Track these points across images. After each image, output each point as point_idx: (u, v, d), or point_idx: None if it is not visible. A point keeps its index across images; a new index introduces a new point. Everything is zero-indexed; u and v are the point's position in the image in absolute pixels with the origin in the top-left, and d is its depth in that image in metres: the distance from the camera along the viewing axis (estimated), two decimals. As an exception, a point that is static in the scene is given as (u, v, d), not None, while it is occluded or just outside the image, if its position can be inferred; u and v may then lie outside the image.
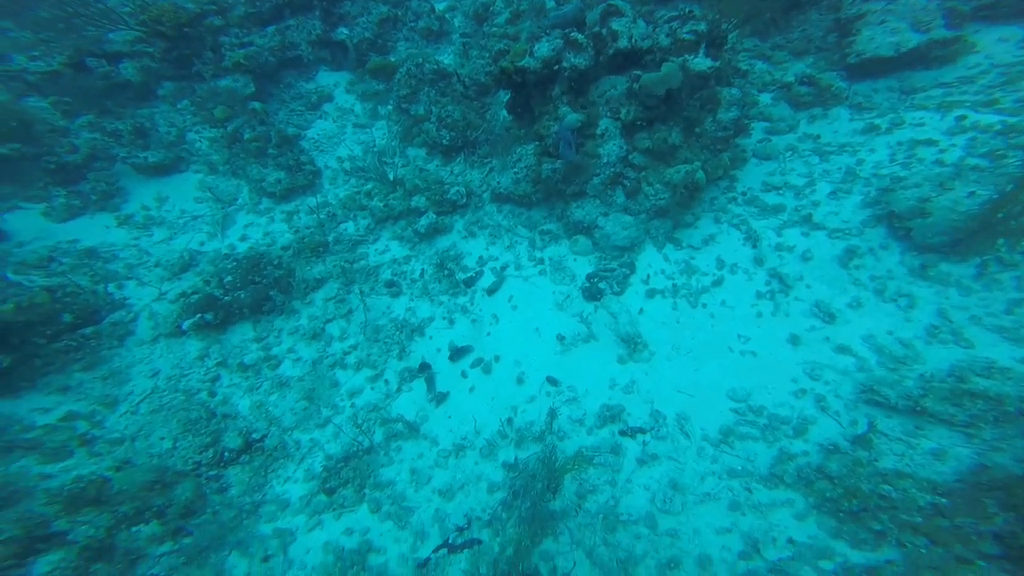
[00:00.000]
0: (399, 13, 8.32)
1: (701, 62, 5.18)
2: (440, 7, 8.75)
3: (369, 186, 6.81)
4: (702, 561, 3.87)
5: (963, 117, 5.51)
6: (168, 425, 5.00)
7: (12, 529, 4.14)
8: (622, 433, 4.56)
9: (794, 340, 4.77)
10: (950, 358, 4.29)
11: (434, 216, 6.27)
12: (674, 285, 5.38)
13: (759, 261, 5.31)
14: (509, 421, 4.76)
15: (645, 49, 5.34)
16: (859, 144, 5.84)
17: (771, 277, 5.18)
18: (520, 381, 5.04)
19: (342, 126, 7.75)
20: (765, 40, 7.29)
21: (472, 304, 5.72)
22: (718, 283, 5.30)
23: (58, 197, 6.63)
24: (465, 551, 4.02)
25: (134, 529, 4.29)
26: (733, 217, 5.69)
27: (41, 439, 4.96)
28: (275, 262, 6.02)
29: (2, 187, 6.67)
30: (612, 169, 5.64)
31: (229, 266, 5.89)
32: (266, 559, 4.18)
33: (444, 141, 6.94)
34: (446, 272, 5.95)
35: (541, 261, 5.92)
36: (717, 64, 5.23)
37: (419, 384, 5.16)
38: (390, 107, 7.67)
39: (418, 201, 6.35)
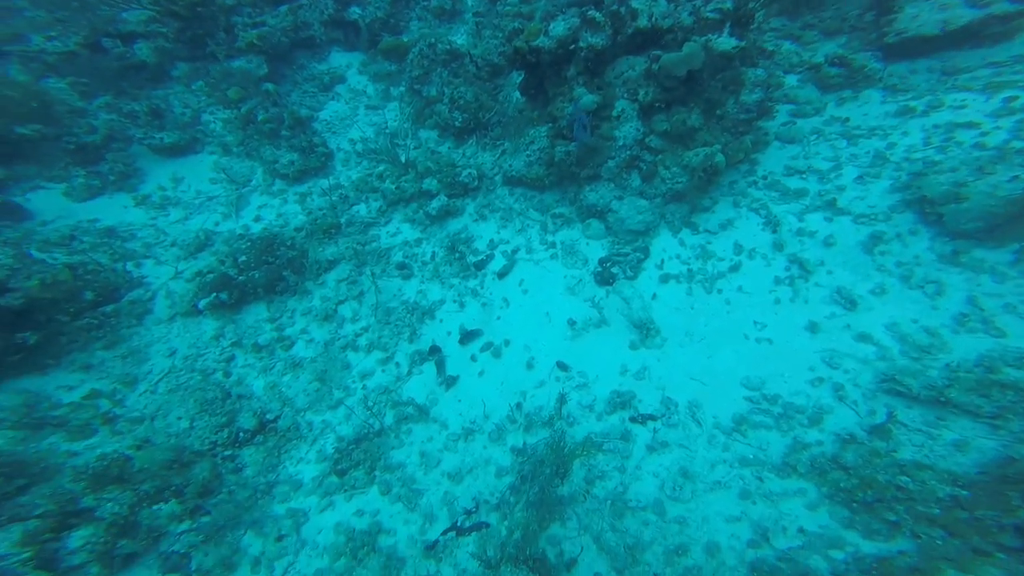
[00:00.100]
0: (412, -8, 8.05)
1: (725, 42, 4.87)
2: (453, -15, 8.43)
3: (381, 168, 6.66)
4: (710, 548, 3.76)
5: (1013, 98, 5.11)
6: (185, 405, 5.01)
7: (47, 504, 4.22)
8: (632, 420, 4.43)
9: (813, 327, 4.55)
10: (979, 347, 4.04)
11: (445, 199, 6.12)
12: (689, 270, 5.17)
13: (779, 246, 5.05)
14: (518, 406, 4.66)
15: (666, 28, 5.02)
16: (891, 127, 5.49)
17: (791, 263, 4.94)
18: (530, 366, 4.93)
19: (354, 108, 7.58)
20: (794, 19, 6.86)
21: (483, 287, 5.59)
22: (735, 268, 5.07)
23: (78, 177, 6.63)
24: (473, 534, 3.97)
25: (155, 507, 4.33)
26: (753, 201, 5.42)
27: (67, 417, 5.02)
28: (288, 243, 5.95)
29: (25, 167, 6.69)
30: (628, 152, 5.40)
31: (243, 246, 5.84)
32: (280, 539, 4.19)
33: (456, 123, 6.74)
34: (457, 255, 5.82)
35: (553, 245, 5.74)
36: (743, 44, 4.91)
37: (429, 367, 5.08)
38: (402, 88, 7.47)
39: (430, 183, 6.19)
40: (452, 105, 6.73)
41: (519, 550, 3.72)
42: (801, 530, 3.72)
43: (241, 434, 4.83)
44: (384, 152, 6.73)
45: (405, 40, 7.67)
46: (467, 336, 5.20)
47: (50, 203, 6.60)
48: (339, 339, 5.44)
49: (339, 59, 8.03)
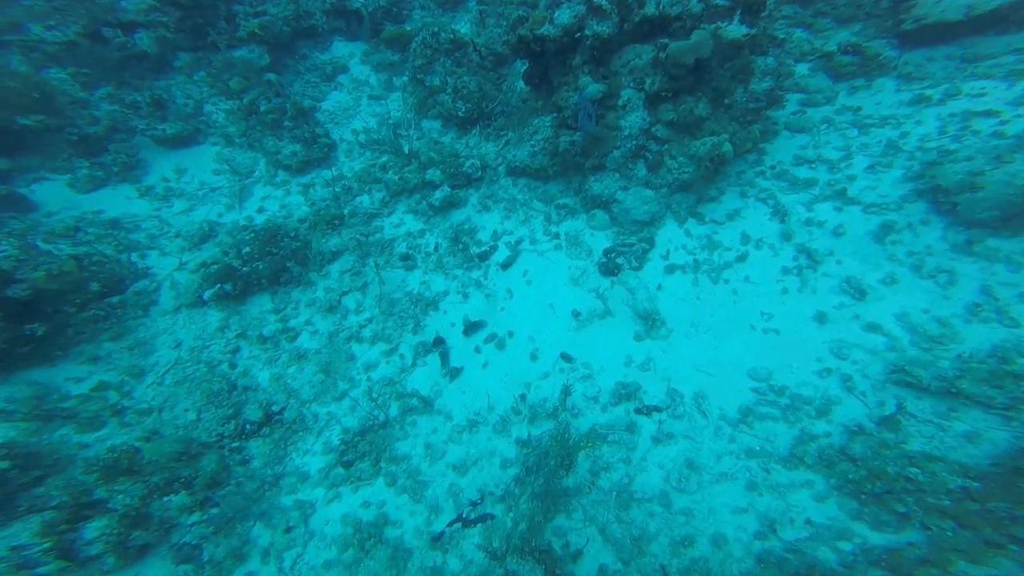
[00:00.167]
0: (414, -21, 7.81)
1: (735, 29, 4.65)
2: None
3: (384, 159, 6.50)
4: (716, 540, 3.67)
5: (1039, 86, 4.90)
6: (192, 396, 4.93)
7: (61, 495, 4.18)
8: (637, 411, 4.32)
9: (821, 318, 4.42)
10: (992, 338, 3.90)
11: (449, 189, 5.96)
12: (695, 260, 5.02)
13: (787, 236, 4.89)
14: (522, 397, 4.55)
15: (674, 16, 4.80)
16: (904, 116, 5.29)
17: (799, 252, 4.78)
18: (534, 357, 4.81)
19: (357, 98, 7.39)
20: (806, 6, 6.60)
21: (486, 278, 5.46)
22: (742, 258, 4.92)
23: (81, 168, 6.49)
24: (479, 525, 3.89)
25: (165, 499, 4.29)
26: (760, 191, 5.25)
27: (77, 409, 4.95)
28: (292, 234, 5.82)
29: (29, 158, 6.56)
30: (634, 142, 5.22)
31: (247, 237, 5.72)
32: (288, 530, 4.13)
33: (459, 113, 6.56)
34: (460, 246, 5.68)
35: (557, 236, 5.59)
36: (753, 32, 4.70)
37: (433, 359, 4.98)
38: (405, 78, 7.27)
39: (433, 174, 6.04)
40: (455, 95, 6.54)
41: (525, 541, 3.65)
42: (809, 521, 3.63)
43: (248, 426, 4.75)
44: (387, 143, 6.56)
45: (408, 29, 7.44)
46: (471, 327, 5.08)
47: (55, 194, 6.48)
48: (343, 330, 5.33)
49: (341, 49, 7.82)
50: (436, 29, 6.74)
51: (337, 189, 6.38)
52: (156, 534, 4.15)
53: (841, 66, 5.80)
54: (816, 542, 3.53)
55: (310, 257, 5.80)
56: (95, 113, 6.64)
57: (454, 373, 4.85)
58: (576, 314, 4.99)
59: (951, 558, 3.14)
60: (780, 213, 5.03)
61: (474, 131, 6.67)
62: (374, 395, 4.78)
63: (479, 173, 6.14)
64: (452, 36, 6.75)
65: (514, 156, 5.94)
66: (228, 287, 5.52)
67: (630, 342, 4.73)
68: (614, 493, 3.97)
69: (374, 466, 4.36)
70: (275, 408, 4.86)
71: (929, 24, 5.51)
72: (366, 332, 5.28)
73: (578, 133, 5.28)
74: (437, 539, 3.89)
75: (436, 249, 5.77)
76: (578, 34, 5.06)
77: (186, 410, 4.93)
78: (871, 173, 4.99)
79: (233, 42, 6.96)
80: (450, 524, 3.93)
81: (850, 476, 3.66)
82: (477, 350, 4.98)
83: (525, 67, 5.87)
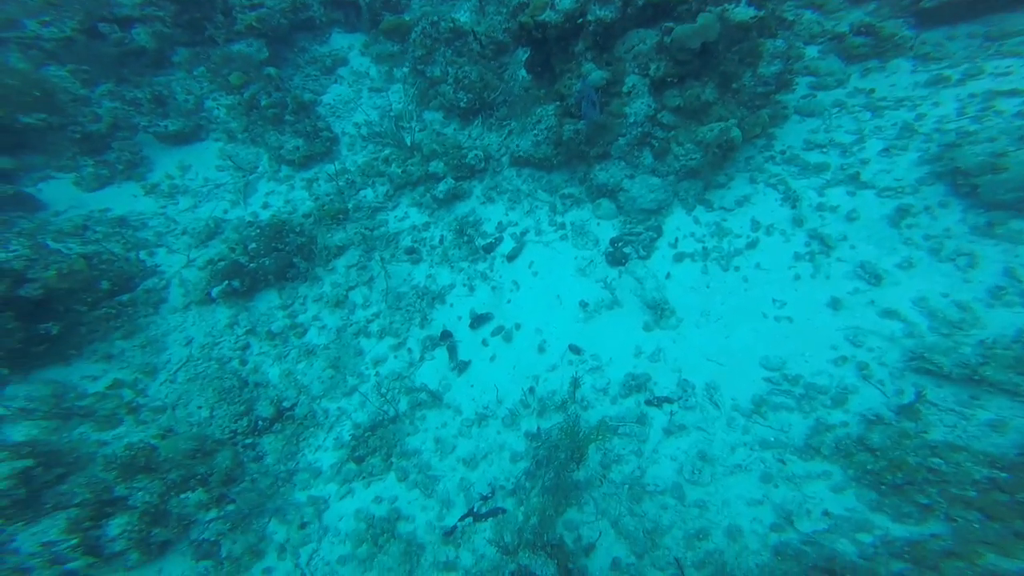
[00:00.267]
0: (412, -33, 7.36)
1: (743, 11, 4.29)
2: (454, -41, 7.70)
3: (387, 152, 6.19)
4: (732, 532, 3.48)
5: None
6: (204, 394, 4.75)
7: (84, 493, 4.10)
8: (648, 403, 4.10)
9: (835, 304, 4.14)
10: (1017, 322, 3.62)
11: (452, 181, 5.66)
12: (704, 248, 4.73)
13: (798, 222, 4.59)
14: (531, 390, 4.34)
15: (679, -1, 4.43)
16: (921, 98, 4.92)
17: (811, 238, 4.48)
18: (542, 350, 4.58)
19: (358, 90, 7.03)
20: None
21: (492, 271, 5.20)
22: (752, 245, 4.63)
23: (86, 167, 6.23)
24: (490, 520, 3.72)
25: (183, 496, 4.16)
26: (770, 177, 4.92)
27: (94, 407, 4.81)
28: (297, 229, 5.57)
29: (33, 157, 6.29)
30: (639, 129, 4.89)
31: (253, 233, 5.47)
32: (303, 526, 3.99)
33: (461, 104, 6.21)
34: (465, 238, 5.41)
35: (562, 226, 5.31)
36: (761, 13, 4.32)
37: (441, 352, 4.76)
38: (406, 69, 6.90)
39: (436, 166, 5.73)
40: (456, 85, 6.19)
41: (536, 536, 3.47)
42: (826, 513, 3.42)
43: (260, 422, 4.58)
44: (389, 135, 6.24)
45: (407, 19, 7.04)
46: (478, 320, 4.85)
47: (61, 193, 6.23)
48: (351, 325, 5.11)
49: (340, 40, 7.43)
50: (436, 18, 6.35)
51: (341, 183, 6.09)
52: (175, 530, 4.05)
53: (854, 47, 5.39)
54: (835, 534, 3.33)
55: (316, 252, 5.55)
56: (97, 110, 6.34)
57: (462, 367, 4.63)
58: (584, 305, 4.74)
59: (979, 551, 2.92)
60: (791, 198, 4.71)
61: (476, 122, 6.33)
62: (383, 390, 4.58)
63: (482, 164, 5.83)
64: (452, 25, 6.36)
65: (517, 146, 5.62)
66: (236, 283, 5.31)
67: (639, 332, 4.48)
68: (626, 486, 3.78)
69: (385, 461, 4.18)
70: (286, 404, 4.68)
71: (950, 1, 5.06)
72: (373, 327, 5.06)
73: (582, 121, 4.95)
74: (449, 534, 3.73)
75: (441, 242, 5.51)
76: (580, 19, 4.72)
77: (199, 407, 4.76)
78: (885, 156, 4.65)
79: (231, 36, 6.60)
80: (462, 518, 3.75)
81: (869, 467, 3.43)
82: (484, 343, 4.75)
83: (527, 55, 5.51)
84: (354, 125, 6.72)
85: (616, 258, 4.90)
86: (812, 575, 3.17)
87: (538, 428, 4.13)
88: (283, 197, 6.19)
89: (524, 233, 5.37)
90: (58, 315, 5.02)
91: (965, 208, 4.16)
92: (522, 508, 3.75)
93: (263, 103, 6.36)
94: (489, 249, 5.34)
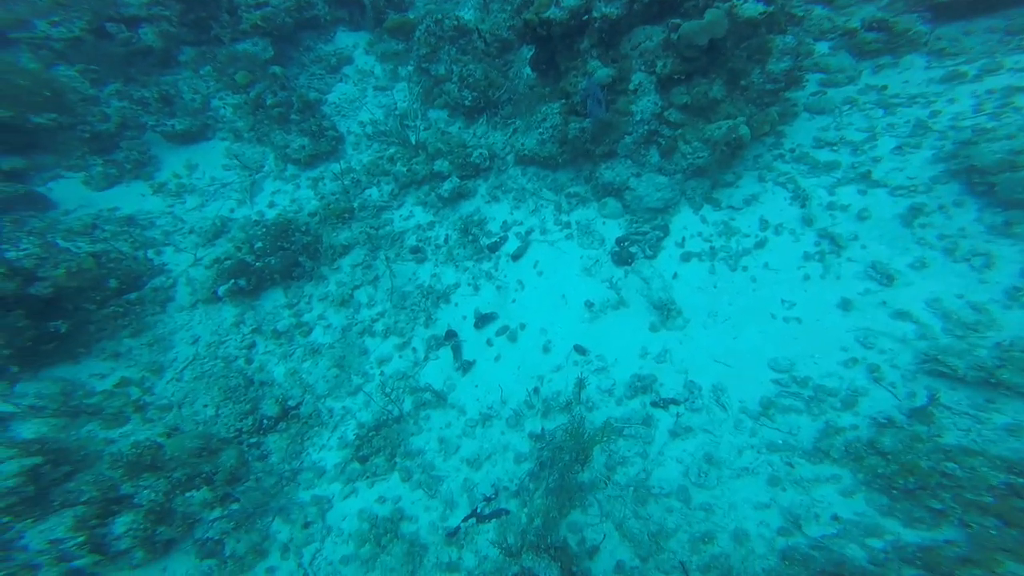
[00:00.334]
0: (417, -35, 7.30)
1: (751, 7, 4.18)
2: (459, -43, 7.63)
3: (392, 151, 6.16)
4: (738, 536, 3.42)
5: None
6: (210, 392, 4.77)
7: (91, 490, 4.11)
8: (654, 404, 4.04)
9: (845, 305, 4.05)
10: (1034, 326, 3.52)
11: (457, 180, 5.62)
12: (712, 248, 4.65)
13: (808, 221, 4.49)
14: (535, 391, 4.30)
15: (686, -6, 4.34)
16: (935, 94, 4.79)
17: (821, 238, 4.39)
18: (546, 350, 4.54)
19: (363, 89, 7.01)
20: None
21: (497, 270, 5.16)
22: (761, 245, 4.54)
23: (95, 166, 6.27)
24: (493, 521, 3.68)
25: (187, 494, 4.17)
26: (779, 175, 4.82)
27: (101, 404, 4.83)
28: (303, 228, 5.56)
29: (44, 156, 6.34)
30: (646, 127, 4.81)
31: (259, 232, 5.47)
32: (307, 525, 3.98)
33: (466, 102, 6.16)
34: (470, 237, 5.37)
35: (568, 225, 5.25)
36: (770, 9, 4.22)
37: (446, 352, 4.73)
38: (410, 68, 6.86)
39: (441, 165, 5.69)
40: (461, 83, 6.14)
41: (540, 538, 3.43)
42: (835, 517, 3.35)
43: (265, 421, 4.58)
44: (394, 134, 6.21)
45: (411, 17, 7.00)
46: (482, 320, 4.81)
47: (71, 192, 6.27)
48: (356, 324, 5.10)
49: (345, 39, 7.41)
50: (440, 16, 6.29)
51: (346, 182, 6.07)
52: (180, 529, 4.05)
53: (865, 43, 5.27)
54: (844, 539, 3.26)
55: (321, 251, 5.54)
56: (105, 110, 6.38)
57: (466, 367, 4.60)
58: (589, 305, 4.68)
59: (997, 558, 2.84)
60: (800, 197, 4.62)
61: (481, 120, 6.28)
62: (387, 389, 4.56)
63: (487, 163, 5.78)
64: (456, 23, 6.30)
65: (522, 145, 5.56)
66: (242, 282, 5.31)
67: (645, 333, 4.42)
68: (631, 488, 3.72)
69: (389, 461, 4.16)
70: (291, 403, 4.68)
71: (971, -7, 4.94)
72: (378, 326, 5.04)
73: (587, 119, 4.88)
74: (452, 534, 3.70)
75: (446, 241, 5.47)
76: (585, 16, 4.64)
77: (205, 406, 4.77)
78: (898, 154, 4.54)
79: (236, 35, 6.59)
80: (465, 519, 3.72)
81: (880, 470, 3.35)
82: (489, 343, 4.72)
83: (531, 53, 5.45)
84: (359, 124, 6.70)
85: (622, 258, 4.84)
86: (820, 581, 3.11)
87: (542, 429, 4.09)
88: (289, 196, 6.19)
89: (529, 232, 5.32)
90: (67, 313, 5.05)
91: (981, 207, 4.05)
92: (526, 510, 3.72)
93: (269, 102, 6.36)
94: (494, 248, 5.29)
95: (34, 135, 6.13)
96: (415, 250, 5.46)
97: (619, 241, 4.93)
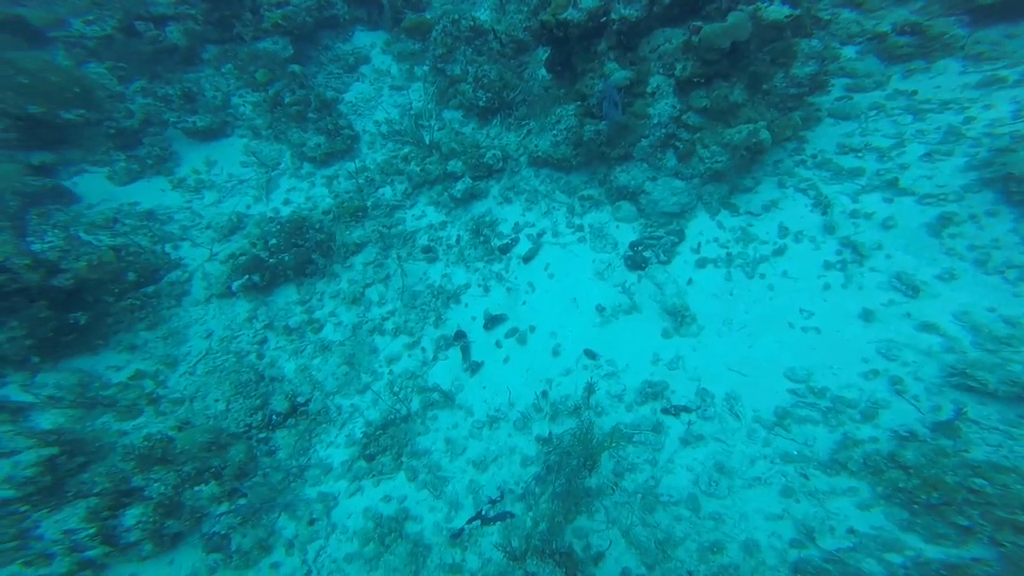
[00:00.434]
0: (436, -34, 7.52)
1: (777, 10, 4.21)
2: (478, -43, 7.83)
3: (406, 150, 6.33)
4: (748, 546, 3.42)
5: None
6: (222, 387, 4.92)
7: (103, 482, 4.25)
8: (665, 411, 4.06)
9: (867, 316, 4.02)
10: (1070, 342, 3.46)
11: (470, 181, 5.75)
12: (728, 254, 4.66)
13: (829, 229, 4.48)
14: (544, 394, 4.36)
15: (708, -4, 4.40)
16: (970, 100, 4.75)
17: (843, 246, 4.37)
18: (556, 353, 4.60)
19: (379, 88, 7.22)
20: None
21: (507, 272, 5.25)
22: (779, 252, 4.54)
23: (119, 161, 6.57)
24: (498, 524, 3.75)
25: (196, 488, 4.29)
26: (800, 181, 4.82)
27: (116, 396, 5.02)
28: (317, 226, 5.74)
29: (71, 151, 6.68)
30: (663, 130, 4.87)
31: (274, 229, 5.66)
32: (312, 522, 4.08)
33: (480, 103, 6.30)
34: (482, 238, 5.48)
35: (580, 228, 5.31)
36: (796, 12, 4.24)
37: (455, 352, 4.82)
38: (426, 67, 7.04)
39: (454, 165, 5.83)
40: (476, 84, 6.28)
41: (545, 543, 3.48)
42: (851, 531, 3.33)
43: (274, 417, 4.73)
44: (409, 134, 6.38)
45: (428, 17, 7.20)
46: (492, 321, 4.90)
47: (95, 187, 6.58)
48: (366, 322, 5.24)
49: (363, 39, 7.64)
50: (456, 16, 6.46)
51: (360, 181, 6.25)
52: (188, 523, 4.17)
53: (896, 48, 5.23)
54: (860, 553, 3.23)
55: (334, 249, 5.71)
56: (130, 106, 6.70)
57: (475, 368, 4.69)
58: (600, 309, 4.73)
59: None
60: (822, 204, 4.60)
61: (495, 121, 6.41)
62: (396, 388, 4.68)
63: (500, 164, 5.89)
64: (472, 23, 6.46)
65: (536, 146, 5.67)
66: (256, 278, 5.50)
67: (658, 339, 4.45)
68: (639, 495, 3.75)
69: (395, 460, 4.26)
70: (300, 399, 4.82)
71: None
72: (388, 324, 5.17)
73: (603, 122, 4.95)
74: (457, 536, 3.77)
75: (457, 241, 5.59)
76: (604, 18, 4.72)
77: (216, 400, 4.93)
78: (927, 161, 4.50)
79: (258, 33, 6.87)
80: (469, 521, 3.79)
81: (900, 484, 3.32)
82: (498, 345, 4.80)
83: (547, 54, 5.55)
84: (375, 123, 6.90)
85: (635, 262, 4.88)
86: (834, 597, 3.10)
87: (550, 433, 4.15)
88: (304, 194, 6.40)
89: (541, 234, 5.40)
90: (87, 305, 5.28)
91: (1017, 217, 3.99)
92: (531, 513, 3.77)
93: (287, 100, 6.59)
94: (505, 250, 5.39)
95: (63, 130, 6.47)
96: (427, 250, 5.59)
97: (633, 245, 4.98)
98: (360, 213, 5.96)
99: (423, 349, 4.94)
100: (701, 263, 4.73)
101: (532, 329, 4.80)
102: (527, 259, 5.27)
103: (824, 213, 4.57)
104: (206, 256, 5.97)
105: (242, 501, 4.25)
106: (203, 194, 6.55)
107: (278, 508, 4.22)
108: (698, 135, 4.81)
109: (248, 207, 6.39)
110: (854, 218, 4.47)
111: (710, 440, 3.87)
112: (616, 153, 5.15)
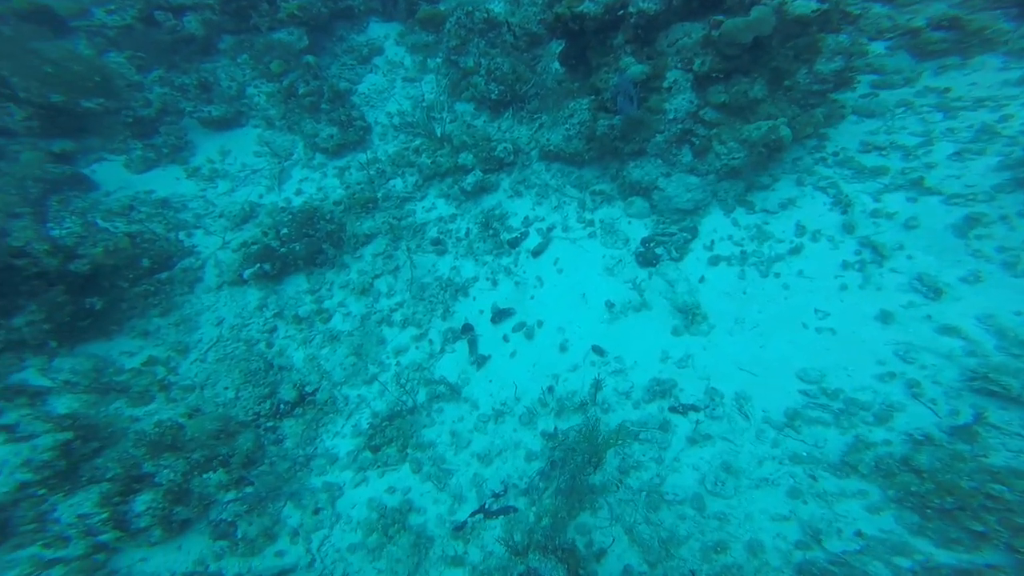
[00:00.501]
0: (451, -44, 7.57)
1: (803, 4, 4.15)
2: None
3: (417, 142, 6.41)
4: (752, 547, 3.43)
5: None
6: (231, 375, 5.06)
7: (115, 467, 4.38)
8: (672, 409, 4.09)
9: (885, 317, 3.99)
10: (1101, 348, 3.39)
11: (480, 174, 5.81)
12: (743, 252, 4.65)
13: (848, 228, 4.43)
14: (550, 389, 4.41)
15: (731, -10, 4.37)
16: (1009, 97, 4.63)
17: (862, 246, 4.33)
18: (563, 348, 4.64)
19: (392, 80, 7.31)
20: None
21: (516, 266, 5.31)
22: (796, 251, 4.51)
23: (136, 150, 6.78)
24: (501, 518, 3.82)
25: (204, 476, 4.41)
26: (820, 179, 4.78)
27: (129, 382, 5.17)
28: (327, 216, 5.87)
29: (90, 139, 6.91)
30: (679, 125, 4.86)
31: (285, 219, 5.80)
32: (317, 512, 4.19)
33: (492, 95, 6.35)
34: (491, 232, 5.54)
35: (591, 223, 5.34)
36: (824, 7, 4.17)
37: (462, 345, 4.90)
38: (439, 59, 7.12)
39: (465, 158, 5.89)
40: (489, 77, 6.33)
41: (547, 538, 3.54)
42: (859, 533, 3.32)
43: (282, 406, 4.85)
44: (420, 126, 6.47)
45: (442, 9, 7.26)
46: (500, 315, 4.96)
47: (112, 174, 6.80)
48: (375, 313, 5.35)
49: (377, 30, 7.75)
50: (470, 8, 6.52)
51: (371, 172, 6.36)
52: (196, 510, 4.28)
53: (930, 43, 5.12)
54: (867, 556, 3.23)
55: (344, 240, 5.83)
56: (148, 96, 6.91)
57: (481, 361, 4.76)
58: (610, 305, 4.76)
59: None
60: (842, 203, 4.56)
61: (507, 114, 6.46)
62: (403, 380, 4.77)
63: (511, 157, 5.95)
64: (486, 16, 6.52)
65: (548, 140, 5.70)
66: (267, 267, 5.65)
67: (667, 337, 4.47)
68: (643, 493, 3.78)
69: (400, 452, 4.36)
70: (308, 389, 4.95)
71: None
72: (397, 316, 5.27)
73: (617, 116, 4.97)
74: (459, 528, 3.85)
75: (467, 234, 5.66)
76: (621, 11, 4.73)
77: (226, 388, 5.08)
78: (956, 160, 4.42)
79: (274, 24, 7.01)
80: (472, 514, 3.87)
81: (913, 488, 3.30)
82: (505, 339, 4.86)
83: (561, 47, 5.57)
84: (387, 115, 7.00)
85: (647, 259, 4.90)
86: (840, 600, 3.10)
87: (555, 428, 4.20)
88: (316, 184, 6.53)
89: (551, 229, 5.44)
90: (103, 291, 5.47)
91: (1048, 219, 3.92)
92: (534, 508, 3.83)
93: (301, 91, 6.73)
94: (514, 244, 5.45)
95: (83, 119, 6.70)
96: (436, 242, 5.68)
97: (644, 242, 4.99)
98: (371, 204, 6.07)
99: (430, 341, 5.03)
100: (714, 261, 4.72)
101: (540, 324, 4.85)
102: (536, 253, 5.32)
103: (844, 212, 4.53)
104: (219, 244, 6.14)
105: (249, 489, 4.38)
106: (217, 183, 6.73)
107: (284, 497, 4.35)
108: (715, 131, 4.79)
109: (261, 196, 6.54)
110: (875, 217, 4.42)
111: (718, 439, 3.88)
112: (630, 148, 5.16)
